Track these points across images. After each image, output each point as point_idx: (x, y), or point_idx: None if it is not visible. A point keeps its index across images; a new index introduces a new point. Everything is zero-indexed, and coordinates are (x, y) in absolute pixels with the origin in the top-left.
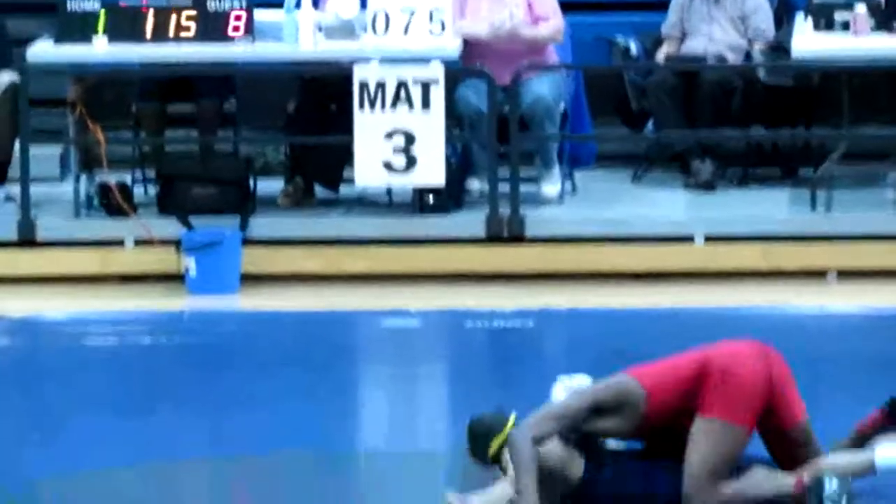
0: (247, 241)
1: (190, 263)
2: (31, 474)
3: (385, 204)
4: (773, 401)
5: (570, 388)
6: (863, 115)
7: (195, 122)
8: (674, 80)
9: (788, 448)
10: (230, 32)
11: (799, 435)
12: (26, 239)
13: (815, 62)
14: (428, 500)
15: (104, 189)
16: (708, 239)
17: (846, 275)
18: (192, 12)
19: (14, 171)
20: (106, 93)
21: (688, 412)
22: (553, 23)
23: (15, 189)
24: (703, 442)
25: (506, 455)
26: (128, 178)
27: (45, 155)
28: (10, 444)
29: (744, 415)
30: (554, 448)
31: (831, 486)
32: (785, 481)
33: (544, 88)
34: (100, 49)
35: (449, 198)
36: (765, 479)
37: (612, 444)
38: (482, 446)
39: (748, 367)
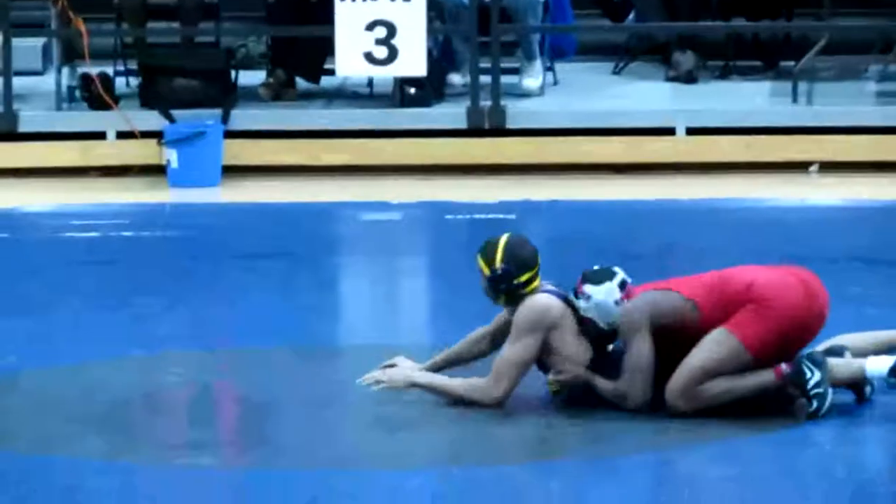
0: (228, 134)
1: (172, 156)
2: (12, 366)
3: (366, 95)
4: (790, 339)
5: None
6: (844, 6)
7: (177, 14)
8: None
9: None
10: None
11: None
12: (8, 131)
13: None
14: (408, 393)
15: (86, 81)
16: (689, 131)
17: (828, 167)
18: None
19: None
20: None
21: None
22: None
23: None
24: (712, 350)
25: (524, 298)
26: (110, 71)
27: (27, 47)
28: None
29: (761, 347)
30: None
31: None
32: (764, 374)
33: None
34: None
35: (430, 89)
36: (746, 375)
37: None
38: (511, 275)
39: (789, 305)
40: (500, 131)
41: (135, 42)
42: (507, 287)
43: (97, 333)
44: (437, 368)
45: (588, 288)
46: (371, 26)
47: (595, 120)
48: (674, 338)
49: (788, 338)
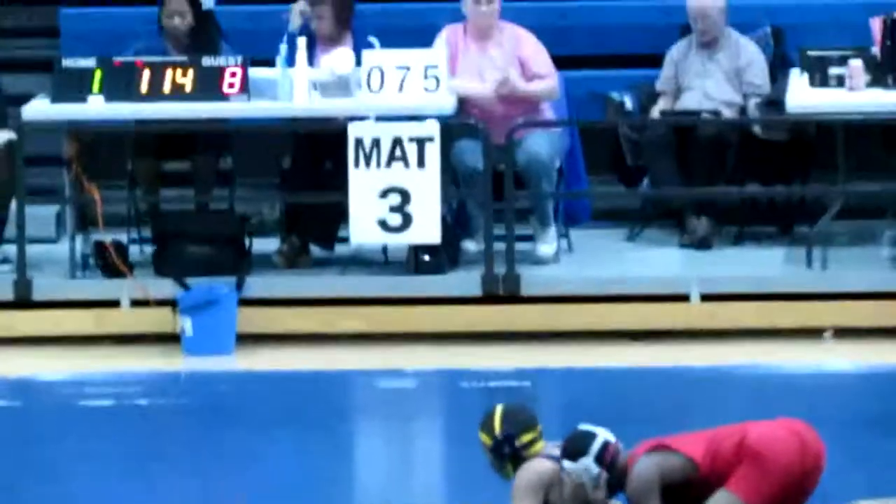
0: (242, 301)
1: (186, 324)
2: None
3: (381, 262)
4: (789, 490)
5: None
6: (858, 170)
7: (191, 180)
8: (669, 136)
9: None
10: (225, 89)
11: None
12: (22, 299)
13: (811, 117)
14: None
15: (100, 249)
16: (704, 297)
17: (843, 333)
18: (188, 69)
19: (10, 230)
20: (102, 151)
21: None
22: (548, 81)
23: (11, 249)
24: None
25: (529, 457)
26: (124, 238)
27: (41, 214)
28: None
29: (762, 502)
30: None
31: None
32: None
33: (540, 146)
34: (95, 107)
35: (444, 256)
36: None
37: None
38: (513, 438)
39: (782, 458)
40: (515, 298)
41: (148, 209)
42: (511, 451)
43: (112, 501)
44: None
45: (566, 464)
46: (385, 193)
47: (610, 286)
48: (675, 494)
49: (788, 489)
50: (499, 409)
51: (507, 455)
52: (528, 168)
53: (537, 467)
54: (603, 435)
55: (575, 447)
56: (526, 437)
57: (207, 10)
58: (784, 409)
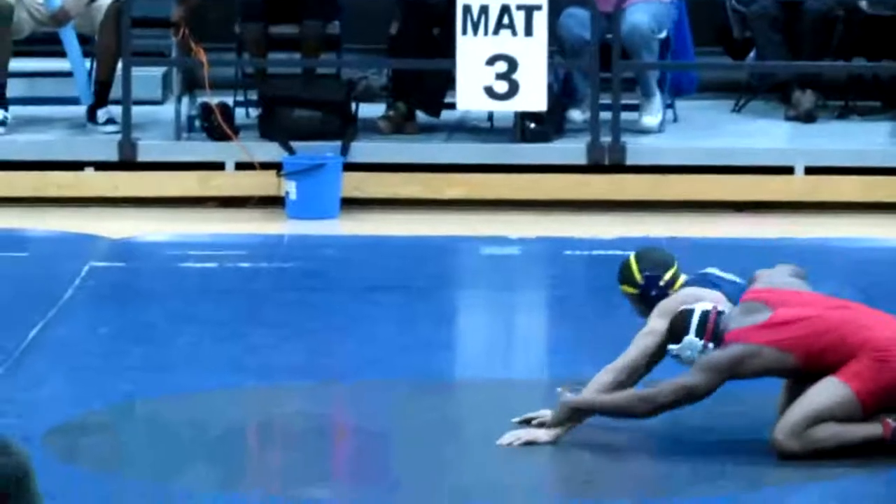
0: (347, 166)
1: (291, 187)
2: (129, 395)
3: (486, 129)
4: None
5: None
6: None
7: (298, 45)
8: (776, 10)
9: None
10: None
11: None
12: (127, 160)
13: None
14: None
15: (206, 111)
16: (808, 170)
17: None
18: None
19: (116, 91)
20: (209, 14)
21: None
22: None
23: (116, 110)
24: (827, 396)
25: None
26: (230, 101)
27: (146, 76)
28: (109, 366)
29: (873, 403)
30: None
31: None
32: (873, 427)
33: (642, 16)
34: None
35: (550, 124)
36: (855, 425)
37: None
38: (657, 277)
39: None
40: (620, 167)
41: (255, 72)
42: (658, 292)
43: (213, 363)
44: None
45: (671, 348)
46: (492, 61)
47: (714, 157)
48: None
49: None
50: (633, 257)
51: (655, 297)
52: (628, 38)
53: (678, 297)
54: (701, 306)
55: (675, 329)
56: (668, 275)
57: None
58: (883, 284)
